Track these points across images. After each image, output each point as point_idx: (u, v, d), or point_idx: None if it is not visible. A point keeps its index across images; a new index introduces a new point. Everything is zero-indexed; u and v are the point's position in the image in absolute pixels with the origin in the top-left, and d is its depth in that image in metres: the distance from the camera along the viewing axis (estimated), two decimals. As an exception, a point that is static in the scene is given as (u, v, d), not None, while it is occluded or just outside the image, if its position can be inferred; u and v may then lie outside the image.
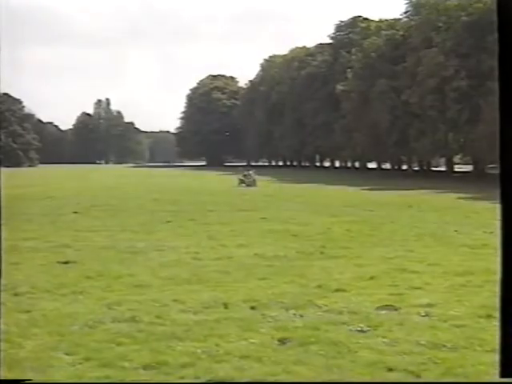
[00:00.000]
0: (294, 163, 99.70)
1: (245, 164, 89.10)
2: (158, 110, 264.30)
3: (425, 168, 63.68)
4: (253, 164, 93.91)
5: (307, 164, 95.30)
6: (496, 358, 2.91)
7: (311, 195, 31.65)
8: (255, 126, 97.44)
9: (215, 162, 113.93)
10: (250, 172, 43.48)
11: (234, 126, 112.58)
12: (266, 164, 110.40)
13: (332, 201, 27.21)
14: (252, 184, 41.01)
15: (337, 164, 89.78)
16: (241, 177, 42.72)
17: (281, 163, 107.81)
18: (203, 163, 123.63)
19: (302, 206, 23.97)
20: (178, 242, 13.34)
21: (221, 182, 50.08)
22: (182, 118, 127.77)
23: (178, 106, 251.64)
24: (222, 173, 72.78)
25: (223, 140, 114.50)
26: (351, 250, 12.32)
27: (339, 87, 65.87)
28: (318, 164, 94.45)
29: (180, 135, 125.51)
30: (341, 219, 18.60)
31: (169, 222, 17.80)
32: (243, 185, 40.95)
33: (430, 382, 5.19)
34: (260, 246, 12.73)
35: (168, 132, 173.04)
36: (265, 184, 43.42)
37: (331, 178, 54.50)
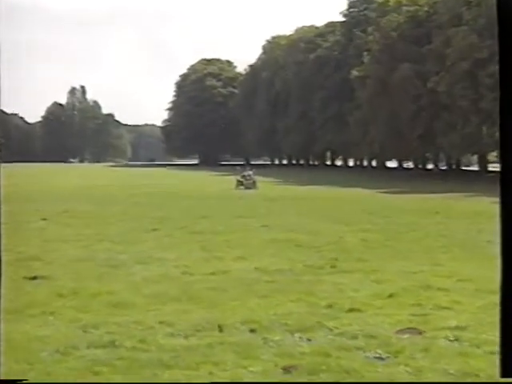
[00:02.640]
0: (301, 162, 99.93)
1: (243, 163, 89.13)
2: (142, 99, 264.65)
3: (454, 167, 63.79)
4: (253, 163, 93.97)
5: (316, 163, 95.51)
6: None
7: (320, 199, 31.65)
8: (256, 118, 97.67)
9: (209, 161, 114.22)
10: (250, 172, 43.52)
11: (231, 119, 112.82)
12: (268, 163, 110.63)
13: (345, 206, 27.22)
14: (252, 186, 41.03)
15: (351, 163, 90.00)
16: (239, 178, 42.76)
17: (285, 162, 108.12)
18: (195, 162, 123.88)
19: (309, 212, 23.98)
20: (165, 254, 13.35)
21: (215, 183, 50.08)
22: (170, 109, 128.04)
23: (166, 95, 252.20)
24: (216, 173, 72.80)
25: (218, 135, 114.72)
26: (367, 263, 12.33)
27: (354, 73, 66.04)
28: (328, 163, 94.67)
29: (168, 129, 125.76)
30: (355, 227, 18.61)
31: (155, 230, 17.83)
32: (241, 187, 40.98)
33: (430, 382, 5.42)
34: (261, 259, 12.74)
35: (154, 125, 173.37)
36: (266, 186, 43.40)
37: (344, 178, 54.51)
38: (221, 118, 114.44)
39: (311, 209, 25.74)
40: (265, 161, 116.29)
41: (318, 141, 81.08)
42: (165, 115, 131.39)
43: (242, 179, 42.35)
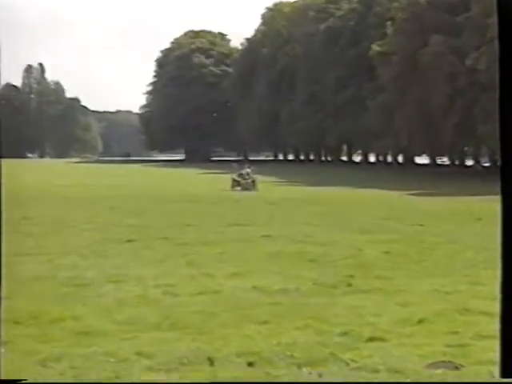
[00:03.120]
0: (311, 157, 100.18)
1: (240, 158, 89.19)
2: (115, 80, 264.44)
3: (499, 164, 63.70)
4: (252, 159, 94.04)
5: (329, 158, 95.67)
6: None
7: (335, 203, 31.69)
8: (255, 103, 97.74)
9: (198, 156, 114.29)
10: (248, 170, 43.59)
11: (224, 105, 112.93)
12: (271, 158, 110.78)
13: (365, 211, 27.25)
14: (250, 187, 41.10)
15: (372, 158, 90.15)
16: (235, 176, 42.83)
17: (291, 157, 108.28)
18: (181, 157, 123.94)
19: (321, 219, 24.02)
20: (143, 271, 13.35)
21: (206, 183, 50.10)
22: (149, 93, 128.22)
23: (144, 75, 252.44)
24: (207, 171, 72.85)
25: (209, 124, 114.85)
26: (392, 281, 12.33)
27: (375, 48, 66.13)
28: (344, 158, 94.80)
29: (146, 117, 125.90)
30: (377, 237, 18.65)
31: (131, 241, 17.85)
32: (238, 188, 41.04)
33: (430, 382, 5.91)
34: (261, 276, 12.75)
35: (129, 112, 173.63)
36: (269, 186, 43.43)
37: (363, 177, 54.52)
38: (212, 104, 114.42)
39: (323, 215, 25.76)
40: (266, 156, 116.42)
41: (331, 131, 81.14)
42: (143, 100, 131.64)
43: (238, 178, 42.40)
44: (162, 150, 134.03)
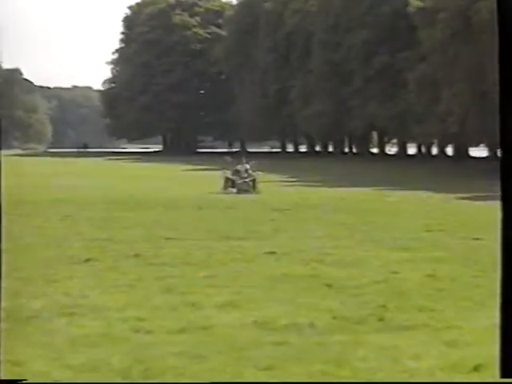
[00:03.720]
0: (330, 148, 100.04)
1: (236, 150, 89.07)
2: (70, 46, 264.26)
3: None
4: (251, 150, 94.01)
5: (354, 150, 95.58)
6: None
7: (361, 209, 31.70)
8: (256, 77, 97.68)
9: (179, 147, 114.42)
10: (247, 165, 43.54)
11: (215, 79, 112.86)
12: (277, 150, 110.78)
13: (402, 220, 27.24)
14: (249, 187, 41.08)
15: (411, 150, 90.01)
16: (229, 174, 42.80)
17: (304, 148, 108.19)
18: (157, 148, 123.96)
19: (343, 231, 24.05)
20: (105, 299, 13.35)
21: (190, 183, 50.08)
22: (115, 63, 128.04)
23: (107, 39, 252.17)
24: (191, 166, 72.88)
25: (195, 105, 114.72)
26: (437, 313, 12.34)
27: (414, 3, 66.12)
28: (374, 150, 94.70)
29: (111, 95, 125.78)
30: (418, 255, 18.67)
31: (90, 260, 17.86)
32: (233, 189, 41.02)
33: (430, 382, 6.98)
34: (263, 307, 12.77)
35: (89, 88, 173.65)
36: (273, 188, 43.45)
37: (400, 175, 54.49)
38: (198, 77, 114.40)
39: (346, 225, 25.76)
40: (271, 147, 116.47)
41: (358, 113, 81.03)
42: (107, 72, 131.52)
43: (233, 177, 42.35)
44: (133, 139, 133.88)
